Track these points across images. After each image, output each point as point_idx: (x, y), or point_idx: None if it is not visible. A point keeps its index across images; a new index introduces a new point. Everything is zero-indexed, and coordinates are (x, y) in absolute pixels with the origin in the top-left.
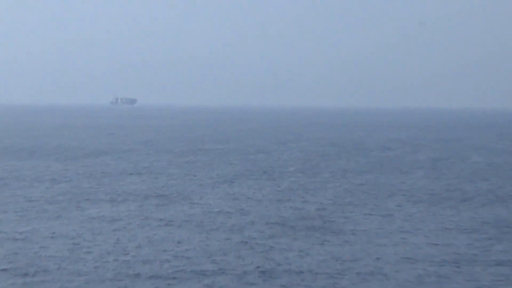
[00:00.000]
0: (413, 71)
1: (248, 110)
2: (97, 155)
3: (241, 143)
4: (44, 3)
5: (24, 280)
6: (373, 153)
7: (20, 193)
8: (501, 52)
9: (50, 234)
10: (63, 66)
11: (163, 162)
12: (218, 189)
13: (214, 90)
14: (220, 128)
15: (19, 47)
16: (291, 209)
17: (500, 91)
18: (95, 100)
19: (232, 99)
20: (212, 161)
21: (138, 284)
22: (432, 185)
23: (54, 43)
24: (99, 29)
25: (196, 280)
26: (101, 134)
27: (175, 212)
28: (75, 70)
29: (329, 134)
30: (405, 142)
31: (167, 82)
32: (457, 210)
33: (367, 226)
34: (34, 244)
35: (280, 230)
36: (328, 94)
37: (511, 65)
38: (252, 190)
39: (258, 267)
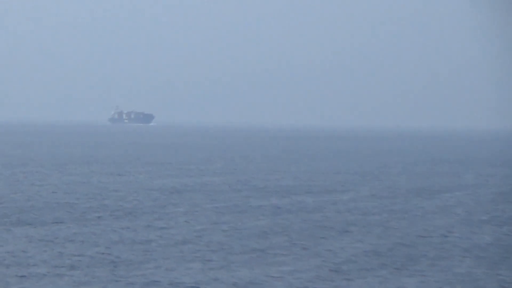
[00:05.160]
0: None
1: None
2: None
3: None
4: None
5: None
6: None
7: None
8: None
9: None
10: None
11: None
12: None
13: (242, 107)
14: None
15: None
16: None
17: None
18: (92, 117)
19: (264, 117)
20: (313, 210)
21: None
22: None
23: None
24: (102, 32)
25: None
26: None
27: None
28: (67, 80)
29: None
30: None
31: (188, 96)
32: None
33: None
34: None
35: None
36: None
37: None
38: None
39: None
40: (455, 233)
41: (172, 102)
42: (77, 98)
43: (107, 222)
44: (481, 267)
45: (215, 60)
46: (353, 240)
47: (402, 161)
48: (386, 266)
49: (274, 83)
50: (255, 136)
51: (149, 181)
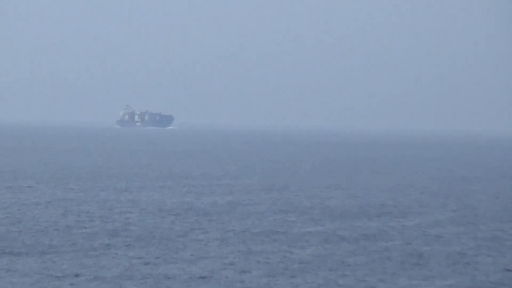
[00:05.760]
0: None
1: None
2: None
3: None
4: None
5: None
6: None
7: None
8: None
9: None
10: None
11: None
12: None
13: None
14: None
15: None
16: None
17: None
18: (97, 118)
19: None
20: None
21: None
22: None
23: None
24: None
25: None
26: None
27: None
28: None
29: None
30: None
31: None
32: None
33: None
34: None
35: None
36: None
37: None
38: None
39: None
40: None
41: (195, 102)
42: (79, 96)
43: (117, 251)
44: None
45: (243, 56)
46: (428, 276)
47: (484, 176)
48: None
49: (295, 86)
50: (290, 141)
51: (169, 199)
